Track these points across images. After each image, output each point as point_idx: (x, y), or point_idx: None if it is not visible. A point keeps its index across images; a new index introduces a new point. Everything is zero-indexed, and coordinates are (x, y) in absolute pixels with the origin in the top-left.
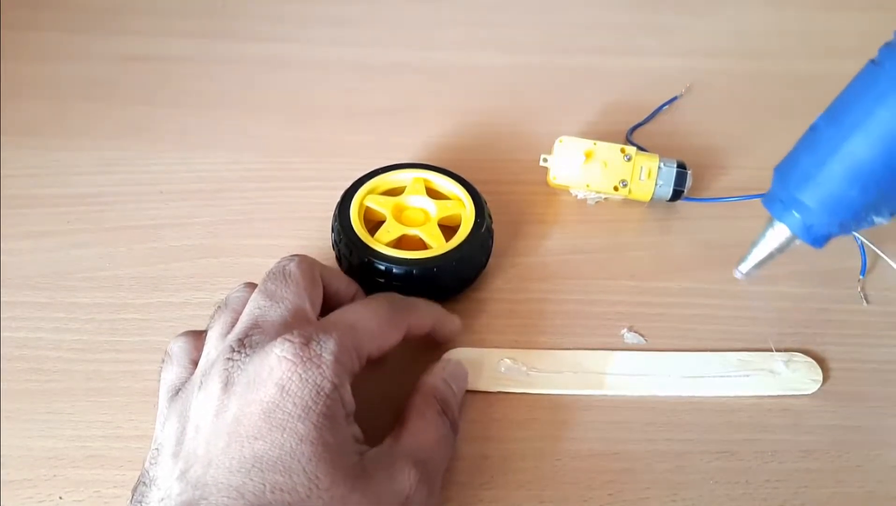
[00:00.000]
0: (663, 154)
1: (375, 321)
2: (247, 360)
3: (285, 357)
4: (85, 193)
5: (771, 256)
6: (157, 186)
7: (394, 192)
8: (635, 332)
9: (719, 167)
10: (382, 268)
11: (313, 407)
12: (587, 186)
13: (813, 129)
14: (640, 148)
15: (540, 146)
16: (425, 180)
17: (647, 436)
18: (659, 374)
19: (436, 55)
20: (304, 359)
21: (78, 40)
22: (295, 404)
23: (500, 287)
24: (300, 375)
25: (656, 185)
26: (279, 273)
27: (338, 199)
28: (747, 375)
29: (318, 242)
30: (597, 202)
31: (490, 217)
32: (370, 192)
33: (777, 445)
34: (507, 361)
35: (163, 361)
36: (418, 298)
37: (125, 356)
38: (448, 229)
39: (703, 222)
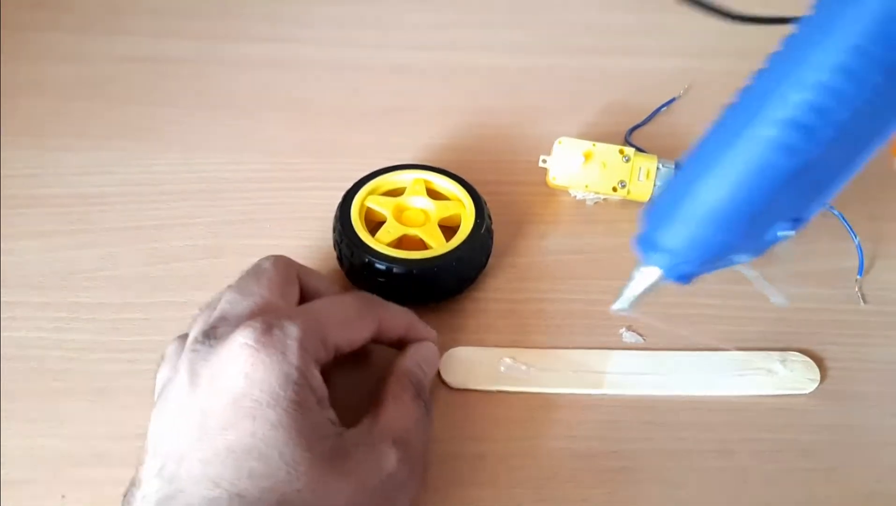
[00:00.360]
0: (662, 155)
1: (343, 312)
2: (210, 351)
3: (247, 343)
4: (85, 193)
5: (643, 295)
6: (158, 187)
7: (394, 192)
8: (634, 331)
9: None
10: (383, 268)
11: (282, 394)
12: (586, 186)
13: (677, 169)
14: (639, 149)
15: (540, 147)
16: (425, 181)
17: (646, 435)
18: (658, 373)
19: (436, 55)
20: (267, 345)
21: (78, 40)
22: (262, 390)
23: (500, 287)
24: (263, 360)
25: (655, 185)
26: (253, 271)
27: (339, 199)
28: (746, 375)
29: (319, 243)
30: (596, 203)
31: (490, 217)
32: (371, 192)
33: (776, 444)
34: (508, 360)
35: (158, 365)
36: (394, 303)
37: (127, 356)
38: (448, 229)
39: None
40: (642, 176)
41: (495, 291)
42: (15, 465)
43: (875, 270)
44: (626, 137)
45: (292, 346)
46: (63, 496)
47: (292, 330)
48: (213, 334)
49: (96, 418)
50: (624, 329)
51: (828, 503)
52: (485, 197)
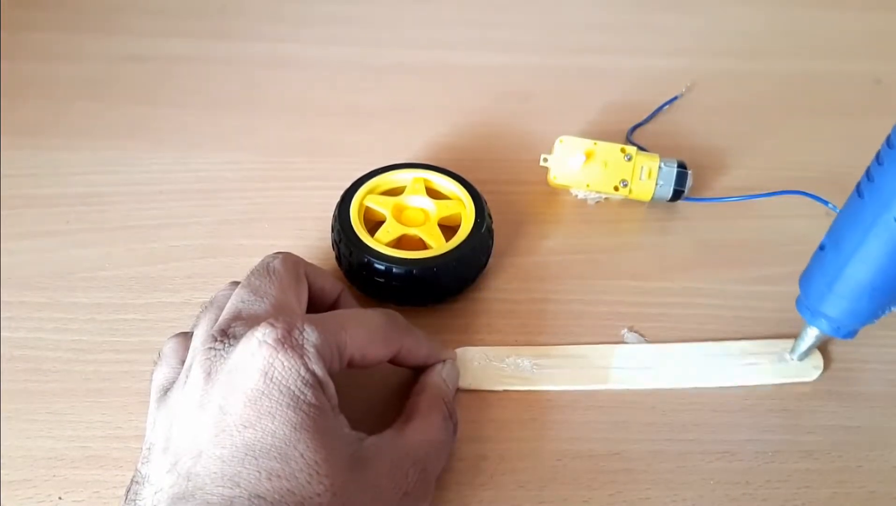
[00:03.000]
0: (664, 154)
1: (366, 329)
2: (229, 349)
3: (266, 342)
4: (85, 193)
5: (814, 345)
6: (157, 186)
7: (394, 192)
8: (636, 332)
9: (719, 167)
10: (382, 268)
11: (301, 397)
12: (587, 185)
13: (821, 248)
14: (641, 148)
15: (540, 146)
16: (425, 180)
17: (648, 436)
18: (664, 365)
19: (436, 55)
20: (287, 346)
21: (78, 40)
22: (281, 392)
23: (500, 287)
24: (282, 362)
25: (657, 184)
26: (263, 269)
27: (338, 199)
28: (751, 365)
29: (318, 242)
30: (597, 202)
31: (490, 217)
32: (370, 192)
33: (778, 445)
34: (513, 358)
35: (155, 362)
36: (419, 330)
37: (125, 357)
38: (448, 229)
39: (704, 222)
40: (644, 175)
41: (495, 291)
42: (12, 465)
43: None
44: (627, 136)
45: (311, 350)
46: (60, 498)
47: (312, 335)
48: (230, 333)
49: (94, 419)
50: (626, 330)
51: (830, 504)
52: (485, 196)
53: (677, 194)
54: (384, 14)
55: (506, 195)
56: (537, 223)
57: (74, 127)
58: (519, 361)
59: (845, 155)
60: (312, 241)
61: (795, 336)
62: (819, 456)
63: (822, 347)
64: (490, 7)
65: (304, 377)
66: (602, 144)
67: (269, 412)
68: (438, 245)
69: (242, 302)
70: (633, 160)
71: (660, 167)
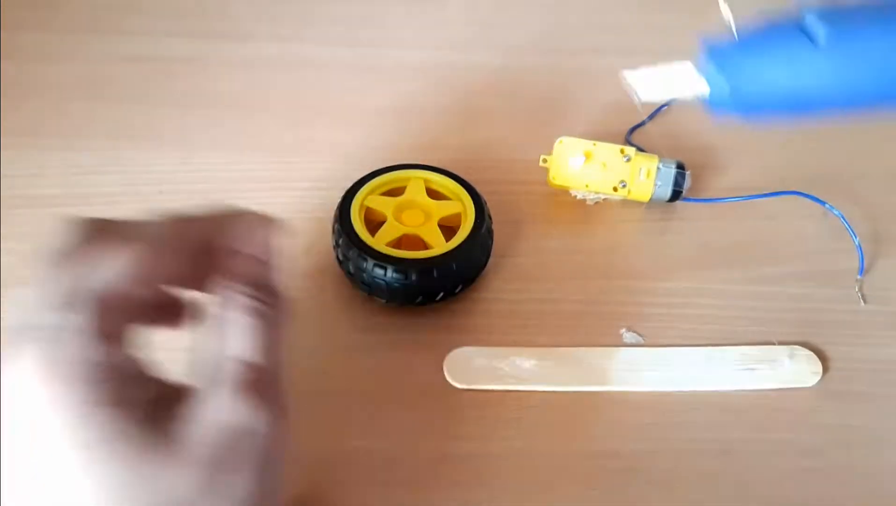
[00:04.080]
0: (663, 154)
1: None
2: None
3: None
4: (85, 193)
5: (663, 88)
6: (157, 186)
7: (394, 192)
8: (634, 332)
9: (719, 167)
10: (382, 268)
11: None
12: (587, 186)
13: (812, 40)
14: (640, 148)
15: (540, 146)
16: (425, 180)
17: (648, 436)
18: (662, 369)
19: (436, 55)
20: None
21: (78, 40)
22: None
23: (500, 287)
24: None
25: (655, 185)
26: None
27: (338, 199)
28: (749, 370)
29: (319, 243)
30: (596, 202)
31: (490, 217)
32: (371, 192)
33: (777, 445)
34: (513, 358)
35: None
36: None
37: None
38: (448, 229)
39: (703, 223)
40: (643, 176)
41: (495, 291)
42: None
43: (875, 271)
44: (626, 137)
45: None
46: None
47: None
48: None
49: None
50: (624, 329)
51: (829, 504)
52: (485, 197)
53: (676, 195)
54: (384, 14)
55: (506, 195)
56: (537, 223)
57: (75, 127)
58: (519, 361)
59: (845, 155)
60: (313, 241)
61: (794, 339)
62: (818, 456)
63: (821, 348)
64: (490, 7)
65: None
66: (601, 145)
67: None
68: (438, 245)
69: None
70: (631, 161)
71: (658, 168)
